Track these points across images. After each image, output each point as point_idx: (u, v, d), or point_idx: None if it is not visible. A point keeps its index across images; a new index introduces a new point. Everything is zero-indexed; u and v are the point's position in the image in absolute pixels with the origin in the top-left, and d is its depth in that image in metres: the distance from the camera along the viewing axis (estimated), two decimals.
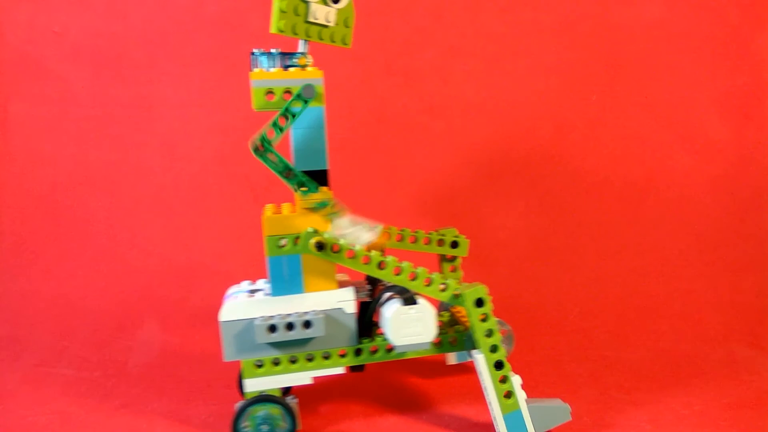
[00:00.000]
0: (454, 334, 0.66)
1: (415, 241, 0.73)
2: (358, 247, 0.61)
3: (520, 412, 0.61)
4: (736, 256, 1.04)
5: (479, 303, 0.60)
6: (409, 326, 0.61)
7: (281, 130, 0.60)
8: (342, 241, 0.61)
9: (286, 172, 0.61)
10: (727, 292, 0.99)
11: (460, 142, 1.08)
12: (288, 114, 0.60)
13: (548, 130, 1.08)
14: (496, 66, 1.07)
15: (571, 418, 0.63)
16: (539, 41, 1.07)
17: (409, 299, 0.61)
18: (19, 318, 0.93)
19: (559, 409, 0.63)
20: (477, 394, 0.67)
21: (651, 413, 0.67)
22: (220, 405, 0.72)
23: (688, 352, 0.83)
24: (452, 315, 0.71)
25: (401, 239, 0.73)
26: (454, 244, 0.74)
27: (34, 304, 0.94)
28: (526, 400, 0.62)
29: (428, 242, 0.73)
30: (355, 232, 0.60)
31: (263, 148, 0.60)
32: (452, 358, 0.76)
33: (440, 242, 0.74)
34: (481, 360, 0.61)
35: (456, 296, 0.61)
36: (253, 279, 0.97)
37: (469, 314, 0.60)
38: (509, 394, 0.61)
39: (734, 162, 1.08)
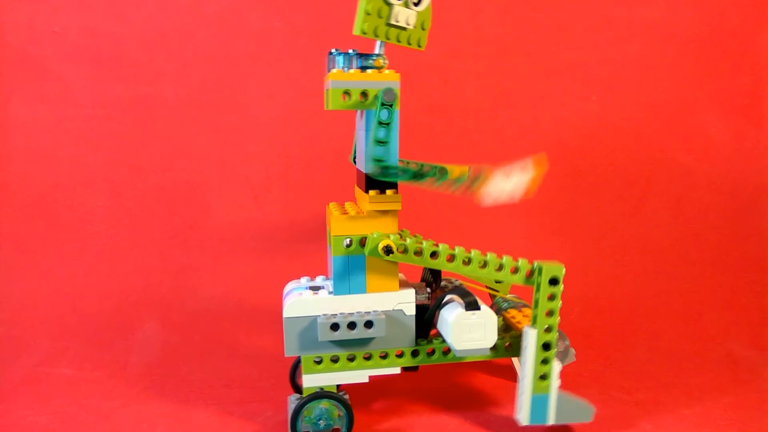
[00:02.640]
0: (509, 339, 0.66)
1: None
2: (518, 197, 0.58)
3: (548, 398, 0.62)
4: (736, 256, 1.04)
5: (553, 281, 0.61)
6: (470, 331, 0.61)
7: (386, 142, 0.61)
8: (410, 242, 0.60)
9: (421, 171, 0.60)
10: (727, 292, 0.99)
11: (459, 143, 1.08)
12: (383, 125, 0.60)
13: (547, 130, 1.08)
14: (496, 66, 1.07)
15: (591, 420, 0.64)
16: (539, 41, 1.07)
17: (471, 304, 0.62)
18: (19, 318, 0.93)
19: (584, 408, 0.63)
20: None
21: (651, 413, 0.67)
22: (220, 405, 0.72)
23: (688, 352, 0.83)
24: (506, 320, 0.70)
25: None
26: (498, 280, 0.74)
27: (34, 304, 0.94)
28: (558, 390, 0.62)
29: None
30: (513, 183, 0.58)
31: (384, 169, 0.60)
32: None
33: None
34: (531, 335, 0.61)
35: (529, 275, 0.62)
36: (255, 279, 0.98)
37: (538, 289, 0.61)
38: (545, 377, 0.62)
39: (734, 162, 1.08)
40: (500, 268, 0.62)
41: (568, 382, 0.77)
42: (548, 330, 0.61)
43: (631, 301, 0.97)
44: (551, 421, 0.62)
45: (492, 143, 1.07)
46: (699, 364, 0.80)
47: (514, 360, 0.76)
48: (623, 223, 1.07)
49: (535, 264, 0.62)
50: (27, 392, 0.76)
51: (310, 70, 1.02)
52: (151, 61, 1.00)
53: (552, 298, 0.61)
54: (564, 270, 0.61)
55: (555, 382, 0.62)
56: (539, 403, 0.62)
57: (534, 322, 0.62)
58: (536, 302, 0.61)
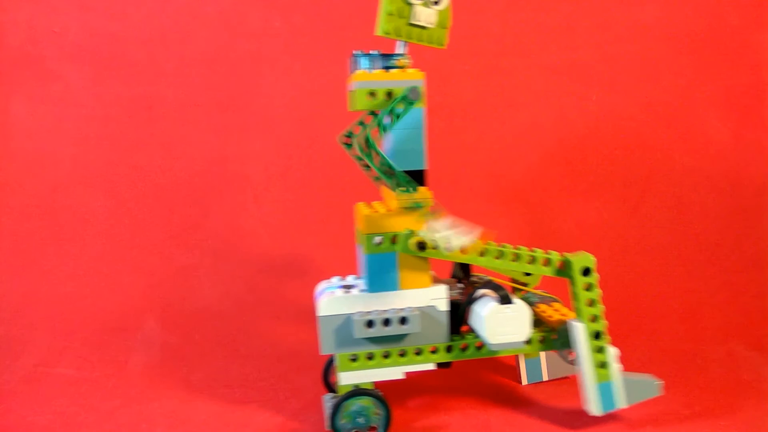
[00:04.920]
0: (542, 333, 0.67)
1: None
2: (448, 251, 0.60)
3: (612, 384, 0.63)
4: (736, 256, 1.04)
5: (586, 272, 0.62)
6: (504, 325, 0.62)
7: (385, 129, 0.61)
8: (438, 242, 0.61)
9: (388, 171, 0.61)
10: (727, 292, 0.99)
11: (459, 142, 1.08)
12: (393, 115, 0.61)
13: (547, 130, 1.08)
14: (496, 66, 1.07)
15: (660, 393, 0.65)
16: (539, 41, 1.07)
17: (505, 297, 0.62)
18: (19, 318, 0.93)
19: (650, 384, 0.64)
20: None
21: (651, 413, 0.67)
22: (221, 405, 0.72)
23: (688, 352, 0.83)
24: (536, 314, 0.70)
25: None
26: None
27: (34, 304, 0.94)
28: (620, 373, 0.63)
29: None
30: (450, 236, 0.60)
31: (368, 148, 0.60)
32: (524, 379, 0.77)
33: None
34: (580, 328, 0.62)
35: (562, 267, 0.63)
36: (254, 279, 0.97)
37: (574, 282, 0.62)
38: (604, 365, 0.62)
39: (734, 162, 1.08)
40: (532, 260, 0.63)
41: (568, 382, 0.77)
42: (594, 319, 0.62)
43: (631, 301, 0.97)
44: (622, 404, 0.63)
45: (492, 143, 1.07)
46: (699, 364, 0.80)
47: (520, 358, 0.76)
48: (623, 223, 1.07)
49: (564, 257, 0.63)
50: (27, 392, 0.76)
51: (310, 69, 1.02)
52: (151, 61, 1.00)
53: (589, 288, 0.62)
54: (594, 259, 0.62)
55: (615, 366, 0.63)
56: (605, 390, 0.63)
57: (578, 314, 0.62)
58: (575, 295, 0.62)
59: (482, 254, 0.63)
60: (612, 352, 0.63)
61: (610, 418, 0.67)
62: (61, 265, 0.98)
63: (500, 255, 0.63)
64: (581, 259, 0.62)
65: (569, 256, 0.63)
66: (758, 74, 1.08)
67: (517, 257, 0.63)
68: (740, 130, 1.09)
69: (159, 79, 1.00)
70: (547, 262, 0.63)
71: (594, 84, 1.08)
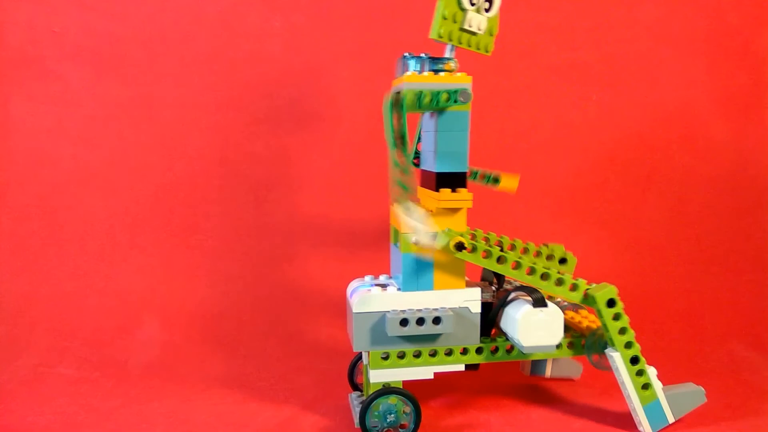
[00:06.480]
0: (570, 338, 0.67)
1: (525, 253, 0.74)
2: (413, 240, 0.60)
3: (659, 402, 0.64)
4: (736, 256, 1.04)
5: (611, 303, 0.63)
6: (537, 328, 0.62)
7: (429, 104, 0.63)
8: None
9: (400, 139, 0.61)
10: (727, 292, 0.99)
11: None
12: (439, 107, 0.63)
13: (548, 129, 1.08)
14: (497, 66, 1.07)
15: (706, 400, 0.65)
16: (539, 41, 1.07)
17: (539, 301, 0.62)
18: (19, 318, 0.93)
19: (695, 393, 0.66)
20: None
21: None
22: (221, 405, 0.72)
23: (688, 352, 0.83)
24: (565, 321, 0.71)
25: (512, 249, 0.74)
26: (563, 261, 0.75)
27: (34, 304, 0.94)
28: (663, 389, 0.64)
29: (537, 255, 0.74)
30: (420, 229, 0.59)
31: (396, 102, 0.59)
32: (527, 370, 0.77)
33: (549, 257, 0.74)
34: (617, 357, 0.63)
35: (586, 296, 0.64)
36: (254, 279, 0.98)
37: (602, 314, 0.63)
38: (647, 386, 0.64)
39: (734, 162, 1.08)
40: (559, 282, 0.64)
41: (568, 382, 0.77)
42: (628, 346, 0.63)
43: (631, 301, 0.97)
44: (672, 419, 0.65)
45: (492, 143, 1.07)
46: (699, 364, 0.80)
47: (548, 362, 0.77)
48: (623, 223, 1.07)
49: (588, 291, 0.64)
50: (27, 392, 0.76)
51: (311, 69, 1.02)
52: (151, 61, 1.00)
53: (617, 317, 0.63)
54: (616, 290, 0.63)
55: (657, 384, 0.64)
56: (653, 409, 0.64)
57: (612, 344, 0.64)
58: (605, 326, 0.63)
59: (516, 267, 0.63)
60: (652, 372, 0.64)
61: (603, 417, 0.67)
62: (61, 265, 0.98)
63: (532, 271, 0.64)
64: (605, 292, 0.63)
65: (593, 289, 0.64)
66: (758, 74, 1.08)
67: (546, 276, 0.64)
68: (740, 130, 1.09)
69: (159, 79, 1.00)
70: (574, 288, 0.64)
71: (594, 84, 1.08)
